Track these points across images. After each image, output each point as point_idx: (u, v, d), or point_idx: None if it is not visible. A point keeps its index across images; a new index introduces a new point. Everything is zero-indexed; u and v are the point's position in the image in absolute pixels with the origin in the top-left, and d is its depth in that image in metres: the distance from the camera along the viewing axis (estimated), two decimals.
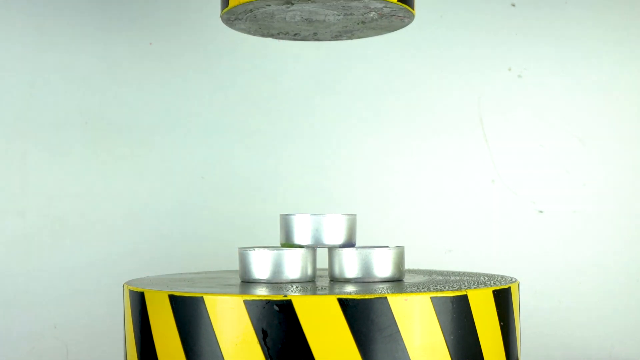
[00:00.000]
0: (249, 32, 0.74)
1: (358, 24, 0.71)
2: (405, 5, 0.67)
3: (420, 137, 0.97)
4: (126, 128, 0.92)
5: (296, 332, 0.54)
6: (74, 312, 0.90)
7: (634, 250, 0.98)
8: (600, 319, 0.97)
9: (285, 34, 0.74)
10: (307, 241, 0.65)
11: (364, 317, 0.55)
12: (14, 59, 0.90)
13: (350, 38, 0.76)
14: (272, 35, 0.75)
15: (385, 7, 0.67)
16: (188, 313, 0.57)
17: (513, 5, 0.98)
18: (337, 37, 0.76)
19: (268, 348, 0.55)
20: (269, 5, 0.66)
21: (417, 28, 0.73)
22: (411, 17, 0.69)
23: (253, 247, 0.65)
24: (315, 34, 0.74)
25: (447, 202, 0.97)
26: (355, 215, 0.68)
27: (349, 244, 0.66)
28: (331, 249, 0.66)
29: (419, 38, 0.88)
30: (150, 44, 0.93)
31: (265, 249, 0.64)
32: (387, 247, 0.65)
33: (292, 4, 0.65)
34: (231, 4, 0.66)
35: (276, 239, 0.84)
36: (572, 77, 0.98)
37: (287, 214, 0.66)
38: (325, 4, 0.66)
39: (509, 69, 0.98)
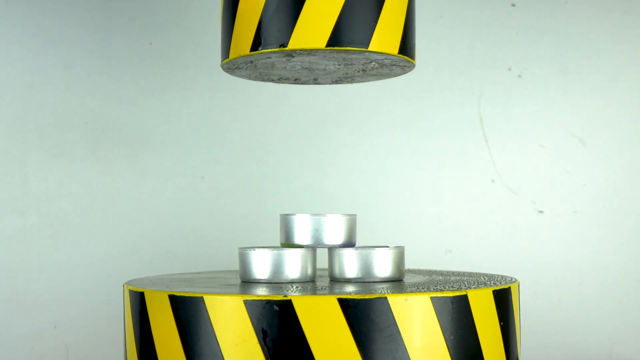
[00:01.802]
0: (249, 78, 0.74)
1: (359, 71, 0.72)
2: (405, 57, 0.67)
3: (420, 137, 0.97)
4: (126, 128, 0.92)
5: (296, 332, 0.54)
6: (74, 312, 0.90)
7: (634, 250, 0.98)
8: (600, 319, 0.97)
9: (286, 80, 0.75)
10: (307, 241, 0.65)
11: (364, 317, 0.55)
12: (14, 59, 0.90)
13: (351, 82, 0.77)
14: (272, 81, 0.76)
15: (385, 58, 0.67)
16: (188, 313, 0.57)
17: (513, 5, 0.98)
18: (337, 82, 0.76)
19: (268, 348, 0.55)
20: (270, 57, 0.66)
21: (417, 28, 0.73)
22: (412, 66, 0.70)
23: (253, 247, 0.65)
24: (315, 79, 0.75)
25: (447, 202, 0.97)
26: (355, 215, 0.68)
27: (349, 244, 0.66)
28: (331, 249, 0.66)
29: (419, 38, 0.87)
30: (151, 44, 0.93)
31: (265, 249, 0.64)
32: (387, 247, 0.65)
33: (293, 56, 0.66)
34: (232, 55, 0.67)
35: (276, 239, 0.84)
36: (572, 77, 0.98)
37: (287, 214, 0.66)
38: (326, 56, 0.66)
39: (509, 69, 0.98)
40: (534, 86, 0.98)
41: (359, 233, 0.74)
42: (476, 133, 0.97)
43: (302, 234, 0.66)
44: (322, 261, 0.79)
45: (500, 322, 0.60)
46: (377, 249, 0.65)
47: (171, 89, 0.93)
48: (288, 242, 0.66)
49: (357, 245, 0.68)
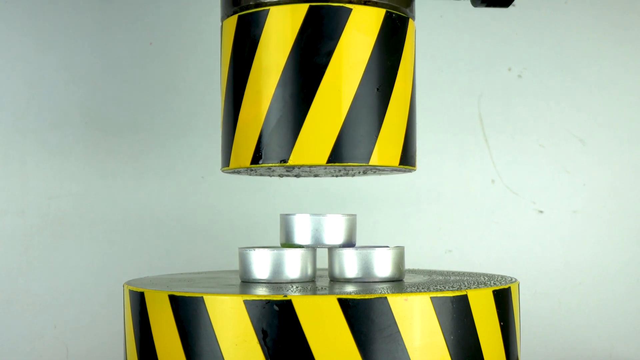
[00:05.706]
0: (249, 175, 0.75)
1: (359, 172, 0.72)
2: (406, 167, 0.67)
3: (420, 137, 0.97)
4: (126, 128, 0.92)
5: (296, 332, 0.54)
6: (74, 312, 0.90)
7: (634, 250, 0.98)
8: (601, 319, 0.97)
9: (287, 175, 0.75)
10: (307, 241, 0.65)
11: (364, 317, 0.55)
12: (14, 59, 0.90)
13: (351, 177, 0.77)
14: (272, 176, 0.76)
15: (386, 167, 0.67)
16: (188, 313, 0.57)
17: (513, 5, 0.98)
18: (337, 176, 0.76)
19: (268, 348, 0.55)
20: (270, 168, 0.66)
21: (417, 28, 0.73)
22: (412, 170, 0.70)
23: (253, 247, 0.65)
24: (316, 175, 0.75)
25: (447, 202, 0.97)
26: (355, 215, 0.68)
27: (349, 244, 0.66)
28: (331, 249, 0.66)
29: (419, 38, 0.87)
30: (151, 44, 0.93)
31: (265, 249, 0.64)
32: (387, 247, 0.65)
33: (294, 168, 0.66)
34: (232, 165, 0.66)
35: (276, 239, 0.84)
36: (572, 77, 0.98)
37: (287, 214, 0.66)
38: (326, 168, 0.66)
39: (509, 69, 0.98)
40: (534, 86, 0.98)
41: (359, 233, 0.74)
42: (476, 133, 0.97)
43: (302, 234, 0.66)
44: (322, 261, 0.79)
45: (500, 322, 0.60)
46: (377, 249, 0.65)
47: (171, 89, 0.93)
48: (288, 242, 0.66)
49: (357, 245, 0.68)
